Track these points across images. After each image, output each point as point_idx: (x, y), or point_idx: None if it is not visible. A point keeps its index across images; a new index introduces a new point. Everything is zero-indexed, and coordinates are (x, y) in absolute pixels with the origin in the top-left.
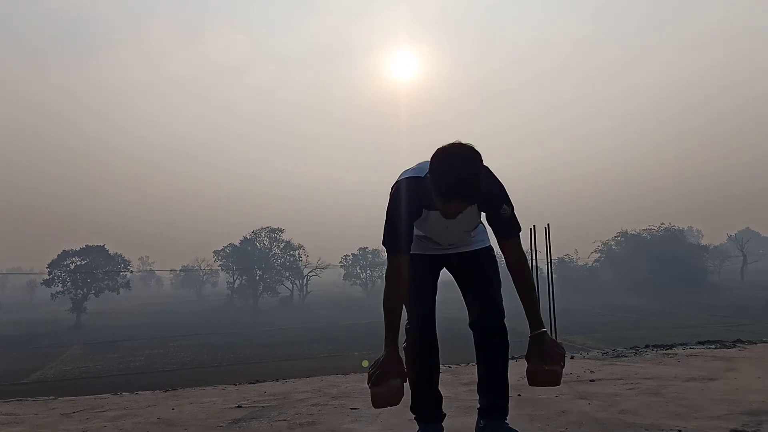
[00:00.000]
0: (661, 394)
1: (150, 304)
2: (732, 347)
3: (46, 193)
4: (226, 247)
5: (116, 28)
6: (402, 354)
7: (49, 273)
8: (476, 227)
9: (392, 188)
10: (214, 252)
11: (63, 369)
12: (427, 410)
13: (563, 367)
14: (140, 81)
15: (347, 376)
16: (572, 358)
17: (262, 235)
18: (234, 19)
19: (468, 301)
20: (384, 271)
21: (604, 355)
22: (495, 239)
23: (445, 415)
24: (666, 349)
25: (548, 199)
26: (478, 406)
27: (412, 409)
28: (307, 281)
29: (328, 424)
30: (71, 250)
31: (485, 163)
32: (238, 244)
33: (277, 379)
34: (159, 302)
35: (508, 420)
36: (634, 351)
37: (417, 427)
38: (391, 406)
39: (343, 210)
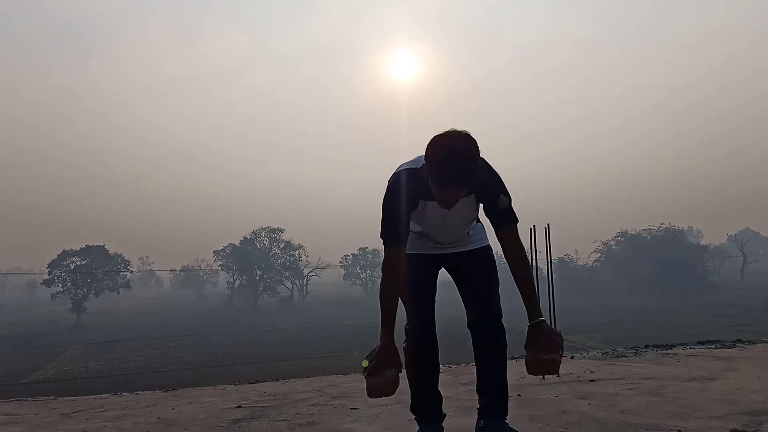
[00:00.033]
0: (661, 394)
1: (150, 304)
2: (732, 347)
3: (46, 193)
4: (226, 247)
5: (116, 28)
6: (401, 352)
7: (49, 273)
8: (474, 223)
9: (389, 180)
10: (214, 252)
11: (63, 369)
12: (427, 410)
13: (562, 355)
14: (140, 81)
15: (347, 376)
16: (572, 358)
17: (262, 235)
18: (234, 19)
19: (466, 301)
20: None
21: (604, 355)
22: (494, 241)
23: (445, 415)
24: (666, 349)
25: (548, 199)
26: (478, 406)
27: (412, 409)
28: (307, 281)
29: (328, 424)
30: (71, 250)
31: (483, 159)
32: (238, 244)
33: (277, 379)
34: (159, 302)
35: (508, 420)
36: (634, 351)
37: (417, 427)
38: (386, 396)
39: (343, 210)
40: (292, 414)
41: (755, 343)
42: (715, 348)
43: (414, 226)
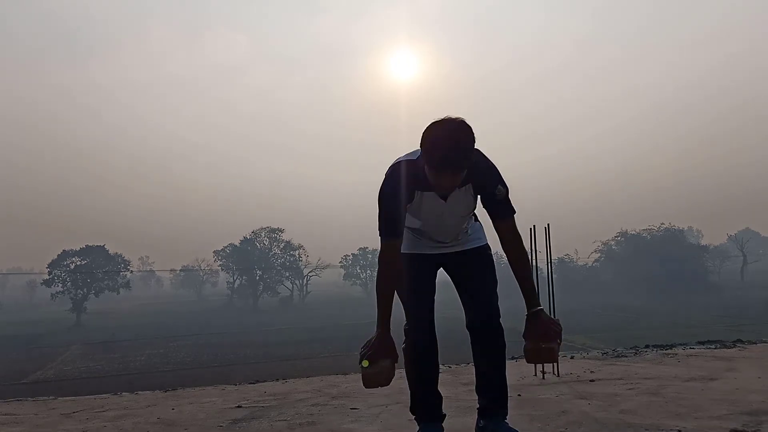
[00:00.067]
0: (661, 394)
1: (150, 304)
2: (732, 347)
3: (46, 193)
4: (226, 247)
5: (116, 28)
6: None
7: (49, 273)
8: (472, 219)
9: (386, 172)
10: (214, 252)
11: (63, 369)
12: (427, 410)
13: (560, 344)
14: (140, 81)
15: (347, 376)
16: (572, 358)
17: (262, 235)
18: (234, 19)
19: (464, 301)
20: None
21: (604, 355)
22: (493, 242)
23: (445, 415)
24: (666, 349)
25: (548, 199)
26: (478, 406)
27: (412, 409)
28: (307, 281)
29: (328, 424)
30: (71, 250)
31: (480, 150)
32: (238, 244)
33: (277, 379)
34: (159, 302)
35: (508, 419)
36: (634, 351)
37: (417, 427)
38: (381, 386)
39: (343, 210)
40: (292, 414)
41: (755, 343)
42: (715, 348)
43: (412, 222)
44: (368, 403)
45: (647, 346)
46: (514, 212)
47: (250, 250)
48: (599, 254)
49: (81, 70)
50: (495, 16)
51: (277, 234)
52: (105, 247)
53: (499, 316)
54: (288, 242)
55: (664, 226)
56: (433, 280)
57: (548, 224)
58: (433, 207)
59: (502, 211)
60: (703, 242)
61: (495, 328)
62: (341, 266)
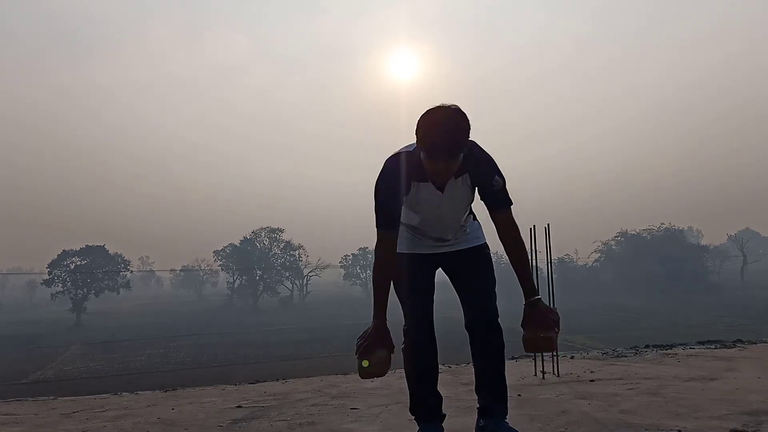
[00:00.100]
0: (661, 394)
1: (150, 304)
2: (732, 347)
3: (46, 193)
4: (226, 247)
5: (116, 28)
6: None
7: (49, 273)
8: (469, 214)
9: (383, 165)
10: (214, 252)
11: (63, 369)
12: (427, 411)
13: (558, 333)
14: (140, 81)
15: (347, 376)
16: (572, 358)
17: (262, 235)
18: (234, 19)
19: (463, 301)
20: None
21: (604, 355)
22: (492, 241)
23: (445, 415)
24: (666, 349)
25: (548, 199)
26: (478, 405)
27: (411, 410)
28: (307, 281)
29: (328, 424)
30: (71, 250)
31: (475, 142)
32: (238, 244)
33: (277, 379)
34: (159, 302)
35: (508, 419)
36: (634, 351)
37: (417, 427)
38: (377, 376)
39: (343, 210)
40: (292, 414)
41: (755, 343)
42: (715, 348)
43: (411, 219)
44: (368, 403)
45: (647, 346)
46: (512, 203)
47: (250, 250)
48: (599, 254)
49: (81, 70)
50: (495, 16)
51: (277, 234)
52: (105, 247)
53: (498, 316)
54: (288, 242)
55: (664, 226)
56: (432, 280)
57: (548, 224)
58: (430, 198)
59: (500, 201)
60: (703, 242)
61: (494, 328)
62: (341, 266)
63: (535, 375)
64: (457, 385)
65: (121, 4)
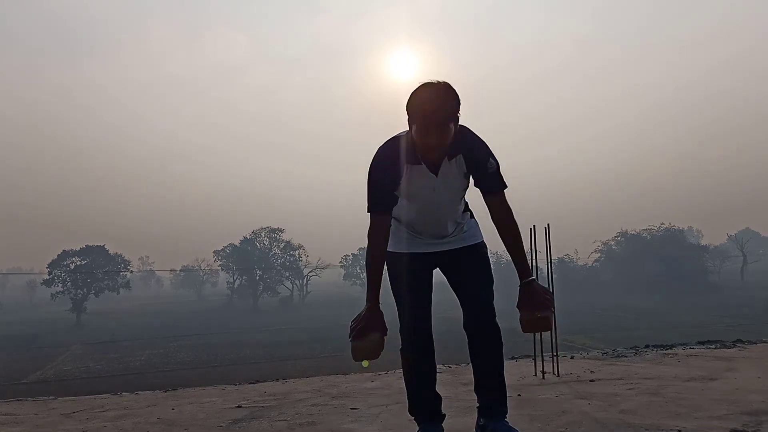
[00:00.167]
0: (661, 394)
1: (150, 304)
2: (732, 347)
3: (46, 193)
4: (226, 247)
5: (116, 28)
6: (383, 316)
7: (49, 273)
8: (467, 213)
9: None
10: (214, 252)
11: (63, 369)
12: (426, 411)
13: (553, 312)
14: (140, 81)
15: (347, 376)
16: (572, 358)
17: (262, 235)
18: (234, 19)
19: (461, 301)
20: (384, 272)
21: (604, 355)
22: (490, 240)
23: (444, 415)
24: (666, 349)
25: (548, 199)
26: (477, 405)
27: (410, 410)
28: (307, 281)
29: (328, 424)
30: (71, 250)
31: (468, 128)
32: (238, 244)
33: (277, 379)
34: (159, 302)
35: (508, 419)
36: (634, 351)
37: (417, 428)
38: (370, 359)
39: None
40: (292, 414)
41: (755, 343)
42: (715, 348)
43: (406, 210)
44: (368, 403)
45: (647, 346)
46: (506, 187)
47: (250, 250)
48: (599, 254)
49: (81, 70)
50: (495, 16)
51: (277, 234)
52: (105, 247)
53: (496, 315)
54: (288, 242)
55: (664, 226)
56: (430, 280)
57: (548, 224)
58: (424, 183)
59: (494, 185)
60: (703, 242)
61: (492, 327)
62: (341, 266)
63: (535, 375)
64: (457, 385)
65: (121, 4)
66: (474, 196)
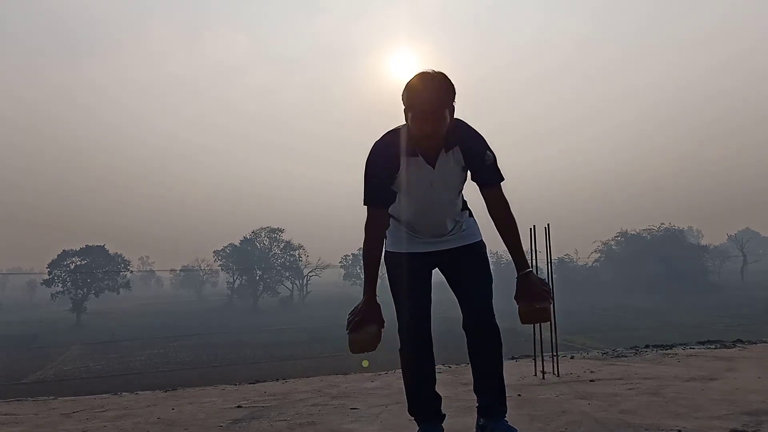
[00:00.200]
0: (661, 394)
1: (150, 304)
2: (732, 347)
3: (46, 193)
4: (226, 247)
5: (116, 28)
6: (381, 309)
7: (49, 273)
8: (466, 212)
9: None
10: (214, 252)
11: (63, 369)
12: (425, 412)
13: (551, 303)
14: (140, 81)
15: (347, 376)
16: (572, 358)
17: (262, 235)
18: (234, 19)
19: (460, 300)
20: (384, 272)
21: (604, 355)
22: (489, 239)
23: (444, 415)
24: (666, 349)
25: (548, 199)
26: (477, 405)
27: (410, 410)
28: (307, 281)
29: (328, 424)
30: (71, 250)
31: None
32: (238, 244)
33: (277, 379)
34: (159, 302)
35: (508, 418)
36: (634, 351)
37: (417, 428)
38: (367, 351)
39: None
40: (292, 414)
41: (755, 343)
42: (715, 348)
43: (405, 207)
44: (368, 403)
45: (647, 346)
46: (503, 179)
47: (250, 250)
48: (599, 254)
49: (81, 70)
50: (495, 16)
51: (277, 234)
52: (105, 247)
53: (495, 315)
54: (288, 242)
55: (664, 226)
56: (428, 280)
57: (548, 224)
58: (421, 175)
59: (491, 177)
60: (703, 242)
61: (491, 327)
62: (341, 266)
63: (535, 375)
64: (457, 385)
65: (121, 4)
66: (472, 197)
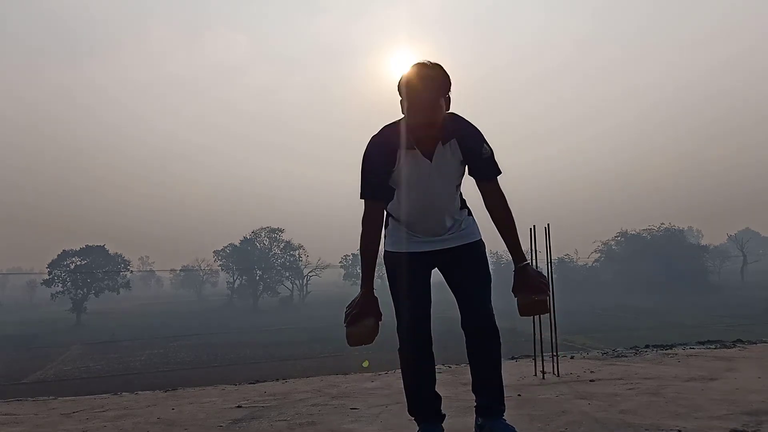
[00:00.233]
0: (661, 394)
1: (150, 304)
2: (732, 347)
3: (46, 193)
4: (226, 247)
5: (116, 28)
6: (378, 302)
7: (49, 273)
8: (465, 211)
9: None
10: (214, 252)
11: (63, 369)
12: (425, 412)
13: (549, 295)
14: (140, 81)
15: (347, 376)
16: (572, 358)
17: (262, 235)
18: (234, 19)
19: (458, 300)
20: (383, 272)
21: (604, 355)
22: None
23: (444, 415)
24: (666, 349)
25: (548, 199)
26: (475, 404)
27: (410, 410)
28: (307, 281)
29: (328, 424)
30: (71, 250)
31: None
32: (238, 244)
33: (277, 379)
34: (159, 302)
35: (507, 418)
36: (634, 351)
37: (417, 428)
38: (365, 344)
39: (343, 210)
40: (292, 414)
41: (755, 343)
42: (715, 348)
43: (404, 207)
44: (368, 403)
45: (647, 346)
46: (500, 173)
47: (250, 250)
48: (599, 254)
49: (81, 70)
50: (495, 16)
51: (277, 234)
52: (105, 247)
53: (493, 315)
54: (288, 242)
55: (664, 226)
56: (427, 280)
57: (548, 224)
58: (419, 169)
59: (489, 170)
60: (703, 242)
61: (490, 326)
62: (341, 266)
63: (535, 375)
64: (457, 385)
65: (121, 4)
66: (471, 197)
